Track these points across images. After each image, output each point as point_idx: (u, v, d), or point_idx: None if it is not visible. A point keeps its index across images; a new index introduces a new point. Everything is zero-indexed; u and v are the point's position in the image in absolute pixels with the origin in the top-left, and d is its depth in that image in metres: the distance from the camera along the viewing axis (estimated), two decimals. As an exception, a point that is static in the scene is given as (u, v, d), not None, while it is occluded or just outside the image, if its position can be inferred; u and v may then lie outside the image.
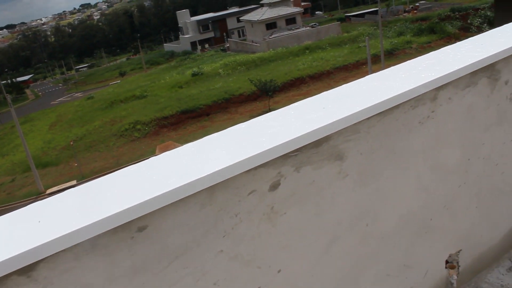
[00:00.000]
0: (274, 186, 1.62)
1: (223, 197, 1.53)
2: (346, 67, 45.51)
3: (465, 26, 51.99)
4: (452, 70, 2.09)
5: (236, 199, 1.56)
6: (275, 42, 61.89)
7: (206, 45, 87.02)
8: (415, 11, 72.64)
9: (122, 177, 1.55)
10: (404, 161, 2.06)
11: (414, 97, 1.97)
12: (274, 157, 1.57)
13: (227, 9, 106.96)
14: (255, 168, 1.55)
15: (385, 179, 2.00)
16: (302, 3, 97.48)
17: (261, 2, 77.82)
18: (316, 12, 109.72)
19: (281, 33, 64.93)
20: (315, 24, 73.43)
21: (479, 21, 51.36)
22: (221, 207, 1.53)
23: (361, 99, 1.88)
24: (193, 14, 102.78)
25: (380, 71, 2.19)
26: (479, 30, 48.97)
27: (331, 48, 53.67)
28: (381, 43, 38.81)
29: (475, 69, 2.23)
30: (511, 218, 2.90)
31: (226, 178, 1.49)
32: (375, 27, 56.74)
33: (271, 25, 67.44)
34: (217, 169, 1.45)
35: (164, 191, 1.38)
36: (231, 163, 1.47)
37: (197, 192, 1.45)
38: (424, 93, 2.01)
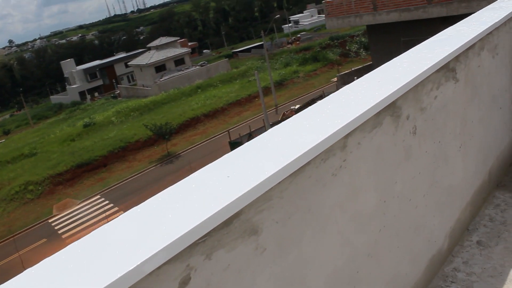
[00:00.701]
0: (184, 282, 1.35)
1: (122, 312, 1.22)
2: (239, 102, 46.28)
3: (345, 53, 55.42)
4: (358, 114, 1.98)
5: (140, 310, 1.25)
6: (166, 84, 61.52)
7: (96, 94, 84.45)
8: (297, 42, 76.05)
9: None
10: (322, 219, 1.89)
11: (324, 150, 1.81)
12: (180, 250, 1.30)
13: (114, 55, 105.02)
14: (159, 268, 1.26)
15: (306, 243, 1.80)
16: (189, 43, 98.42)
17: (147, 45, 77.45)
18: (204, 51, 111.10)
19: (172, 75, 64.79)
20: (204, 63, 74.22)
21: (356, 47, 55.01)
22: (121, 323, 1.22)
23: (268, 159, 1.68)
24: (78, 63, 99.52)
25: (283, 123, 2.02)
26: (357, 55, 52.45)
27: (223, 84, 54.39)
28: (270, 75, 39.97)
29: (379, 110, 2.14)
30: (429, 249, 2.85)
31: (123, 289, 1.18)
32: (262, 60, 58.48)
33: (160, 67, 67.14)
34: (108, 283, 1.15)
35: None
36: (126, 271, 1.17)
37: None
38: (334, 143, 1.87)
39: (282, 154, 1.68)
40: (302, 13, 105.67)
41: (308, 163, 1.74)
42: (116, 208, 30.88)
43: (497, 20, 3.56)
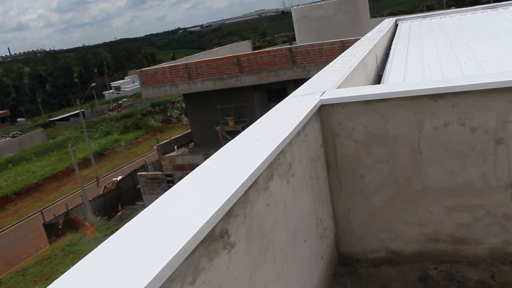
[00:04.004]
0: None
1: None
2: (57, 176, 42.73)
3: (167, 119, 55.04)
4: None
5: None
6: (-32, 159, 54.30)
7: None
8: (119, 109, 73.84)
9: None
10: None
11: None
12: None
13: None
14: None
15: None
16: (0, 112, 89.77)
17: None
18: (18, 120, 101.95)
19: (-24, 148, 57.64)
20: (16, 133, 67.93)
21: (177, 112, 54.98)
22: None
23: None
24: None
25: None
26: (179, 121, 52.46)
27: (37, 157, 50.00)
28: (89, 145, 37.44)
29: None
30: None
31: None
32: (82, 130, 55.40)
33: (-39, 140, 59.49)
34: None
35: None
36: None
37: None
38: None
39: None
40: (124, 79, 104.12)
41: None
42: None
43: (288, 133, 2.66)
